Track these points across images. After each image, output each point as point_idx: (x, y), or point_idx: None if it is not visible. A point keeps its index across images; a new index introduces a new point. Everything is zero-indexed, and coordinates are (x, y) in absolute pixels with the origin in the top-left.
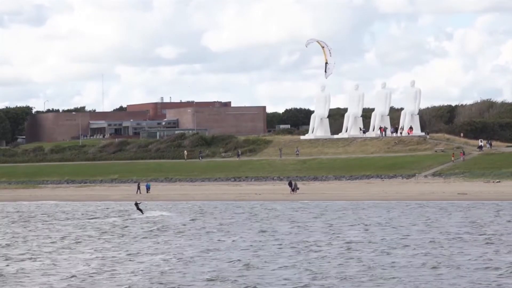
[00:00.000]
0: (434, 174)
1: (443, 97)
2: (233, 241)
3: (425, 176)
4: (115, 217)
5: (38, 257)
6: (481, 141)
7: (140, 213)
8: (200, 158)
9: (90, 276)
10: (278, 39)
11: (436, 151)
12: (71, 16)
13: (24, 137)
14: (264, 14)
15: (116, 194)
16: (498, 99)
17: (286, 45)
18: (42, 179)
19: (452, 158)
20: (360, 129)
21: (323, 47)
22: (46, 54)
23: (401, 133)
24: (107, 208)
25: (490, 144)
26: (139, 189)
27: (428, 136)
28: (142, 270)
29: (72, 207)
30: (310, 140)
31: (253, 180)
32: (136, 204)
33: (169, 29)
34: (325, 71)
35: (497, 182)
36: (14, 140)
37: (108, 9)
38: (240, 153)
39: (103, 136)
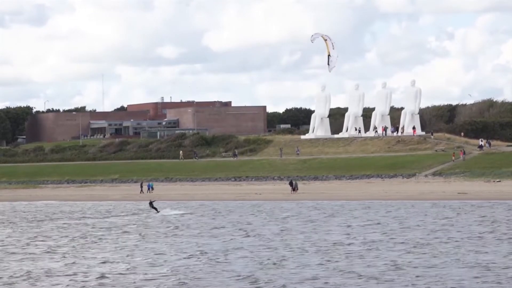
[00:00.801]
0: (434, 174)
1: (443, 96)
2: (254, 238)
3: (426, 175)
4: (130, 216)
5: (63, 256)
6: (481, 141)
7: (155, 211)
8: (195, 158)
9: (119, 275)
10: (278, 39)
11: (436, 151)
12: (72, 16)
13: (24, 137)
14: (265, 14)
15: (117, 194)
16: (499, 99)
17: (287, 45)
18: (42, 179)
19: (453, 158)
20: (356, 129)
21: (325, 40)
22: (47, 54)
23: (402, 132)
24: (118, 207)
25: (489, 144)
26: (142, 188)
27: (432, 137)
28: (169, 269)
29: (80, 207)
30: (310, 140)
31: (253, 180)
32: (151, 203)
33: (170, 29)
34: (328, 64)
35: (498, 181)
36: (14, 140)
37: (108, 9)
38: (237, 153)
39: (104, 136)
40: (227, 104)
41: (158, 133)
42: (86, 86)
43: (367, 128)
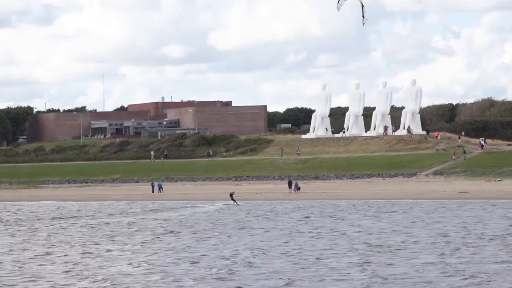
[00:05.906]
0: (435, 173)
1: (448, 95)
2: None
3: (426, 175)
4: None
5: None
6: (482, 140)
7: (235, 203)
8: (162, 158)
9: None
10: (284, 38)
11: (437, 150)
12: (79, 15)
13: (25, 137)
14: (270, 13)
15: (118, 194)
16: (500, 98)
17: (292, 44)
18: (43, 179)
19: (453, 157)
20: (326, 130)
21: None
22: (53, 54)
23: (411, 133)
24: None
25: (485, 142)
26: (153, 187)
27: (459, 140)
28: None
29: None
30: (311, 139)
31: (254, 179)
32: (231, 195)
33: (175, 28)
34: (363, 16)
35: (499, 180)
36: (15, 140)
37: (115, 8)
38: (211, 153)
39: (104, 136)
40: (228, 103)
41: (159, 133)
42: (90, 86)
43: (367, 128)
